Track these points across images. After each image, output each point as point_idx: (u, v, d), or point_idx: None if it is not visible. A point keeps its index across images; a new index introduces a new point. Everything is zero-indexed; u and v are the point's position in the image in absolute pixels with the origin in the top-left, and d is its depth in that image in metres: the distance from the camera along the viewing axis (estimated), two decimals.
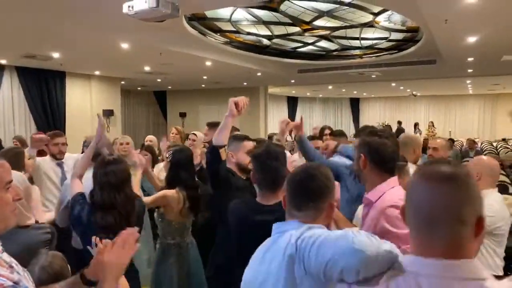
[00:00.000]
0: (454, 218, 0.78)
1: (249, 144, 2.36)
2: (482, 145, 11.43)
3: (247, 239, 1.67)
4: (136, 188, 2.53)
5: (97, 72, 9.23)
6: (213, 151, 2.18)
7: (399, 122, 15.09)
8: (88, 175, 2.19)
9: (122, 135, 4.17)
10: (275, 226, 1.24)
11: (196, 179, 2.77)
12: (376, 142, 1.55)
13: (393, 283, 0.82)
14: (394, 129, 13.06)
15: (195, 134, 3.99)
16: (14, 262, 1.03)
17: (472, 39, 5.64)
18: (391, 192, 1.48)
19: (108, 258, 1.09)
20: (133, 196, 2.15)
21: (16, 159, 2.58)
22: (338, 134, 3.62)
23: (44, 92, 8.36)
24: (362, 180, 1.61)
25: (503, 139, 13.44)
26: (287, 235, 1.13)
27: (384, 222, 1.40)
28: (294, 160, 3.64)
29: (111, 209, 1.98)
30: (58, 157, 3.39)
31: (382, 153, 1.52)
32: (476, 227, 0.78)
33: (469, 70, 9.07)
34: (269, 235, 1.41)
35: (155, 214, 2.68)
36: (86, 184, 2.22)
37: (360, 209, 1.80)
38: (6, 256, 1.01)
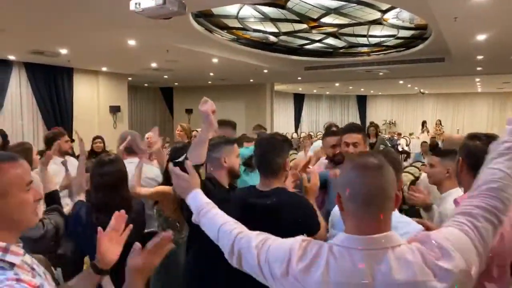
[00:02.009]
0: (384, 195, 1.00)
1: (237, 148, 2.20)
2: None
3: (245, 222, 1.71)
4: (138, 182, 2.53)
5: (104, 69, 9.27)
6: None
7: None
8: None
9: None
10: None
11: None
12: (475, 146, 1.53)
13: (330, 257, 0.99)
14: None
15: (198, 131, 3.99)
16: (35, 264, 1.03)
17: (481, 37, 5.57)
18: None
19: (140, 262, 1.10)
20: (130, 197, 2.15)
21: (24, 155, 2.60)
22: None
23: (52, 88, 8.42)
24: (460, 183, 1.60)
25: None
26: None
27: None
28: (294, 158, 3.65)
29: (106, 210, 1.95)
30: (68, 153, 3.51)
31: (479, 159, 1.43)
32: (395, 200, 1.02)
33: (478, 68, 8.97)
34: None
35: (154, 209, 2.69)
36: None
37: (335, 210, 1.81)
38: (28, 258, 1.01)
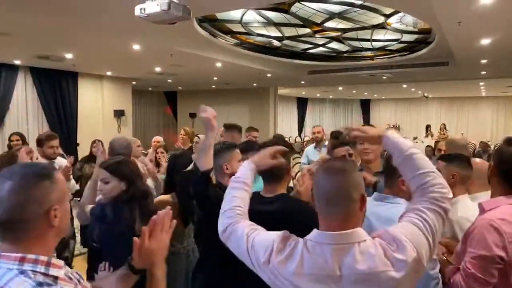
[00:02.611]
0: (347, 197, 1.09)
1: (239, 153, 2.17)
2: (496, 148, 11.25)
3: None
4: None
5: (109, 73, 9.33)
6: (203, 179, 1.83)
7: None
8: None
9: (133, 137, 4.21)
10: None
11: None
12: (510, 152, 1.54)
13: (304, 251, 1.10)
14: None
15: (199, 137, 3.97)
16: (69, 272, 1.03)
17: (486, 41, 5.56)
18: (506, 207, 1.50)
19: (151, 245, 1.13)
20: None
21: (10, 163, 2.63)
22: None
23: (57, 92, 8.48)
24: (491, 187, 1.62)
25: None
26: None
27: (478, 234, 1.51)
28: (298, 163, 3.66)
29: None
30: (52, 158, 3.52)
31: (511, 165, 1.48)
32: (360, 202, 1.11)
33: (483, 72, 8.94)
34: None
35: None
36: None
37: None
38: (65, 268, 0.99)
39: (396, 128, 17.75)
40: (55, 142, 3.55)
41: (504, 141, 1.56)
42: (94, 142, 4.88)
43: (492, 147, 10.96)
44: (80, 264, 3.47)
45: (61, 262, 0.98)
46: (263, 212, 1.73)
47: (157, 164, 3.71)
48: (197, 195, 1.90)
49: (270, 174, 1.79)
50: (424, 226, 1.12)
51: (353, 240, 1.07)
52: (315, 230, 1.13)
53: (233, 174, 2.04)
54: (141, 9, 2.81)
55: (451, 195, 1.20)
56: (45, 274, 0.92)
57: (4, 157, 2.78)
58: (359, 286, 1.04)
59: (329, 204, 1.11)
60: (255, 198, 1.82)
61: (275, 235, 1.19)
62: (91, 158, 4.64)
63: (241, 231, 1.27)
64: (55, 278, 0.94)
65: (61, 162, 3.64)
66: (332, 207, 1.10)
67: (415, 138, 13.97)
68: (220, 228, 1.35)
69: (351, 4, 5.42)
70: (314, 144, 4.84)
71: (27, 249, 0.93)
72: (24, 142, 4.47)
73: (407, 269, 1.03)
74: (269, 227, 1.71)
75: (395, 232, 1.09)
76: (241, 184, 1.43)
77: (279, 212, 1.72)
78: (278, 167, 1.76)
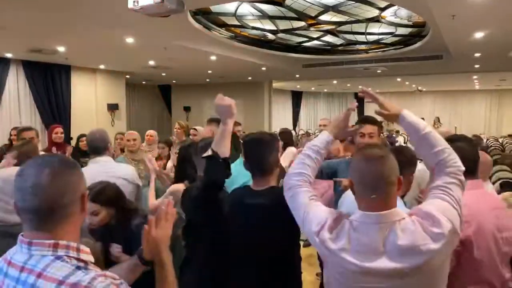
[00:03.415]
0: (387, 181, 1.21)
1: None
2: (488, 141, 11.35)
3: (240, 221, 1.77)
4: (152, 198, 2.58)
5: (102, 66, 9.25)
6: (224, 164, 1.68)
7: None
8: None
9: (128, 131, 4.14)
10: None
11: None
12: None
13: (351, 230, 1.23)
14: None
15: (195, 129, 3.97)
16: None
17: (479, 35, 5.58)
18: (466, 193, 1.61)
19: (157, 234, 1.18)
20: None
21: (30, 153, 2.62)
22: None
23: (50, 86, 8.40)
24: None
25: (510, 135, 13.33)
26: None
27: None
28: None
29: None
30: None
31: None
32: (398, 184, 1.23)
33: (476, 66, 8.99)
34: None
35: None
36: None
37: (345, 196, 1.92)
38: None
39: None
40: (28, 134, 3.51)
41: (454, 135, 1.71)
42: (81, 136, 4.82)
43: (485, 140, 11.07)
44: None
45: (87, 249, 1.01)
46: (251, 206, 1.74)
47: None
48: (219, 182, 1.81)
49: (260, 167, 1.78)
50: (451, 199, 1.26)
51: (394, 218, 1.20)
52: (358, 211, 1.25)
53: None
54: (134, 1, 2.79)
55: (463, 168, 1.33)
56: (77, 259, 0.96)
57: (23, 145, 2.74)
58: (401, 259, 1.16)
59: (371, 188, 1.22)
60: (246, 191, 1.83)
61: (328, 213, 1.32)
62: (78, 152, 4.60)
63: (301, 198, 1.40)
64: (85, 262, 0.97)
65: None
66: (374, 191, 1.21)
67: None
68: (285, 186, 1.48)
69: None
70: None
71: (59, 236, 0.96)
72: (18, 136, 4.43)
73: (444, 241, 1.17)
74: (257, 221, 1.72)
75: (428, 209, 1.22)
76: (316, 154, 1.50)
77: (267, 205, 1.71)
78: (268, 161, 1.77)
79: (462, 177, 1.32)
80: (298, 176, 1.46)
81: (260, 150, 1.77)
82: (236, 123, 4.14)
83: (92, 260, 1.01)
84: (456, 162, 1.33)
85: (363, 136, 2.47)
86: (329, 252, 1.25)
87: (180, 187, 2.52)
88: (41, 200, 0.94)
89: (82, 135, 4.80)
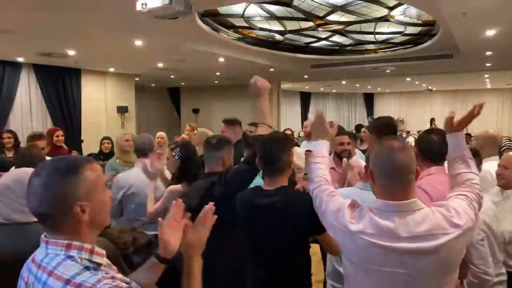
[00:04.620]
0: (408, 171, 1.28)
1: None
2: (501, 140, 11.15)
3: (251, 222, 1.81)
4: (151, 204, 2.59)
5: (111, 69, 9.33)
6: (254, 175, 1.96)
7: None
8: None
9: (124, 133, 4.15)
10: None
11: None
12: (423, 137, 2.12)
13: (371, 215, 1.29)
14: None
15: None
16: (109, 262, 1.07)
17: (490, 33, 5.50)
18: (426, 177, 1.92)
19: (191, 239, 1.18)
20: None
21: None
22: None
23: (60, 89, 8.50)
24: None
25: None
26: None
27: None
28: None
29: None
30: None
31: (427, 146, 2.00)
32: (416, 173, 1.31)
33: (488, 64, 8.86)
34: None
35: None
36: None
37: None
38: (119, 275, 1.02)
39: (400, 121, 17.68)
40: (42, 144, 3.49)
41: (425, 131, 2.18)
42: (104, 139, 4.87)
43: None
44: None
45: (103, 251, 1.03)
46: (262, 206, 1.75)
47: None
48: (243, 188, 1.93)
49: (272, 165, 1.79)
50: (469, 201, 1.35)
51: (414, 208, 1.27)
52: (378, 200, 1.31)
53: (230, 168, 2.11)
54: (142, 4, 2.81)
55: (482, 194, 1.44)
56: (89, 261, 0.97)
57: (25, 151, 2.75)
58: (417, 244, 1.22)
59: (393, 178, 1.29)
60: (256, 191, 1.84)
61: (346, 201, 1.41)
62: (100, 154, 4.67)
63: (322, 195, 1.51)
64: (98, 264, 0.99)
65: None
66: (395, 181, 1.28)
67: (419, 132, 13.91)
68: (310, 186, 1.60)
69: None
70: None
71: (73, 237, 0.98)
72: (17, 140, 4.36)
73: (461, 232, 1.25)
74: (270, 220, 1.72)
75: (449, 203, 1.32)
76: (323, 159, 1.66)
77: (277, 205, 1.72)
78: (282, 159, 1.78)
79: (481, 199, 1.41)
80: (318, 178, 1.57)
81: (272, 149, 1.79)
82: (253, 124, 4.16)
83: (106, 262, 1.01)
84: (479, 188, 1.44)
85: (342, 144, 3.04)
86: (350, 234, 1.31)
87: (178, 188, 2.53)
88: (38, 206, 0.97)
89: (105, 138, 4.86)
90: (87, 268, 0.94)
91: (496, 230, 2.02)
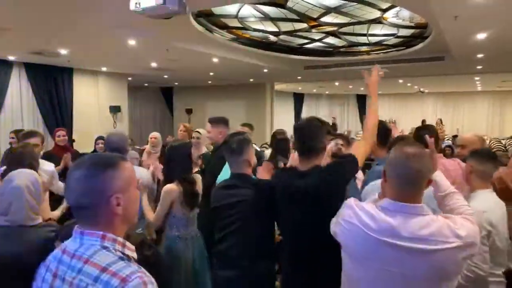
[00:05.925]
0: (422, 177, 1.35)
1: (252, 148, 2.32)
2: (491, 142, 11.28)
3: (288, 202, 1.96)
4: (150, 212, 2.62)
5: (104, 69, 9.26)
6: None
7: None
8: None
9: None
10: None
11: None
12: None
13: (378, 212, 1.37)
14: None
15: (198, 132, 3.95)
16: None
17: (482, 36, 5.57)
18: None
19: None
20: None
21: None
22: None
23: (52, 88, 8.41)
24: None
25: None
26: None
27: None
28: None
29: None
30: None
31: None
32: (428, 181, 1.38)
33: (478, 67, 8.96)
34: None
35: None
36: None
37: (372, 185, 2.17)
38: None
39: (393, 123, 17.78)
40: (33, 140, 3.30)
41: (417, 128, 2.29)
42: (98, 139, 4.83)
43: (487, 141, 11.01)
44: None
45: (133, 246, 1.08)
46: (298, 187, 1.90)
47: None
48: None
49: (311, 148, 1.94)
50: (471, 219, 1.40)
51: (420, 212, 1.33)
52: (387, 199, 1.38)
53: (254, 166, 2.28)
54: (136, 3, 2.80)
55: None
56: (122, 253, 1.03)
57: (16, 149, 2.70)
58: (416, 245, 1.27)
59: (407, 182, 1.35)
60: (292, 172, 2.01)
61: (352, 199, 1.51)
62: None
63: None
64: (129, 257, 1.04)
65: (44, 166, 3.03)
66: (408, 185, 1.35)
67: (410, 133, 13.99)
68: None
69: None
70: None
71: (107, 229, 1.04)
72: (19, 140, 4.39)
73: (461, 244, 1.29)
74: (305, 199, 1.86)
75: (459, 219, 1.37)
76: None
77: (311, 185, 1.85)
78: (321, 141, 1.98)
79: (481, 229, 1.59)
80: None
81: (307, 132, 1.98)
82: (246, 125, 4.18)
83: (136, 257, 1.06)
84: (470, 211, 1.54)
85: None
86: (346, 224, 1.41)
87: (174, 187, 2.58)
88: (80, 196, 1.03)
89: (99, 138, 4.82)
90: (121, 258, 0.99)
91: (502, 230, 2.02)
